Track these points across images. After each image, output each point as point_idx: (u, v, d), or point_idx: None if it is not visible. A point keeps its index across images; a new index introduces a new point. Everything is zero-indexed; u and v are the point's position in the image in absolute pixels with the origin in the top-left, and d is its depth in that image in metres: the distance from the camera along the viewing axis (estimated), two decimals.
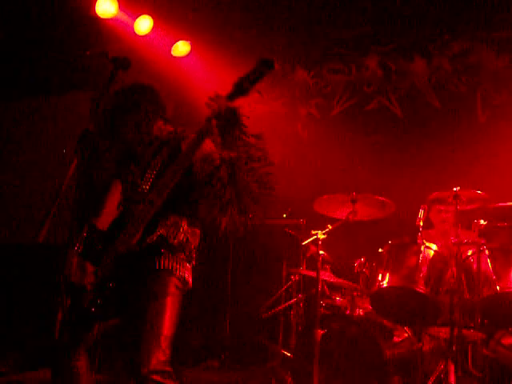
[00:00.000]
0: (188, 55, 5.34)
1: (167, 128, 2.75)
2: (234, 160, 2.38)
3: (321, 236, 3.81)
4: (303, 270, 4.25)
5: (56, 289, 2.47)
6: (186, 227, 2.53)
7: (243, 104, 2.47)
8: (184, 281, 2.52)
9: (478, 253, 3.67)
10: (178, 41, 5.29)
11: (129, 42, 5.15)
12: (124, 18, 5.11)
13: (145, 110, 2.68)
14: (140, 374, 2.28)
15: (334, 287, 4.24)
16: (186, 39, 5.30)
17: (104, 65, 2.56)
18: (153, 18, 5.14)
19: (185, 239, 2.51)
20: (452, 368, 3.51)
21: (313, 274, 3.91)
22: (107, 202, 2.71)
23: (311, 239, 3.89)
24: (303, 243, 3.98)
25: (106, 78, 2.45)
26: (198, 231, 2.60)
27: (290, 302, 4.45)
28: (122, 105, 2.67)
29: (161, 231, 2.46)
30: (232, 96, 2.44)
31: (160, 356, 2.32)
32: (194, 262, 2.59)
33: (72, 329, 2.44)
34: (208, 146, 2.45)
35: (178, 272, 2.49)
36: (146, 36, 5.18)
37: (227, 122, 2.41)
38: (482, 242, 3.74)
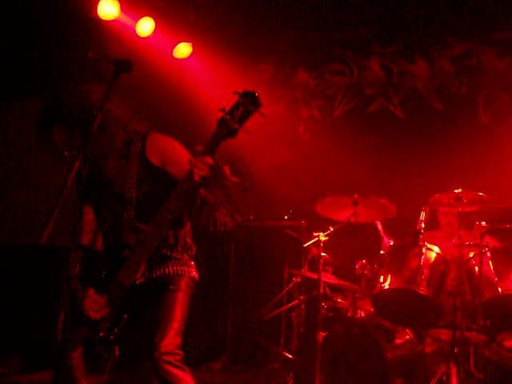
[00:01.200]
0: (190, 57, 5.34)
1: (128, 130, 2.63)
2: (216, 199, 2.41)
3: (322, 238, 3.81)
4: (305, 272, 4.25)
5: (58, 290, 2.50)
6: (182, 231, 2.63)
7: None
8: (193, 279, 2.66)
9: (480, 255, 3.66)
10: (179, 43, 5.29)
11: (130, 44, 5.15)
12: (126, 20, 5.12)
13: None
14: (153, 356, 2.42)
15: (335, 289, 4.24)
16: (188, 41, 5.30)
17: (106, 67, 2.56)
18: (154, 19, 5.14)
19: (183, 241, 2.63)
20: (454, 370, 3.50)
21: (314, 275, 3.91)
22: (85, 226, 2.69)
23: (313, 241, 3.89)
24: (305, 245, 3.98)
25: (108, 79, 2.45)
26: (188, 225, 2.68)
27: (291, 304, 4.46)
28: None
29: (164, 252, 2.55)
30: (216, 142, 2.30)
31: (170, 341, 2.45)
32: (194, 251, 2.70)
33: (73, 332, 2.49)
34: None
35: (187, 273, 2.63)
36: (147, 38, 5.19)
37: (213, 180, 2.36)
38: (484, 243, 3.73)
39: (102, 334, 2.49)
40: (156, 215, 2.44)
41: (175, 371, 2.45)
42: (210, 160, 2.28)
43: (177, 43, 5.30)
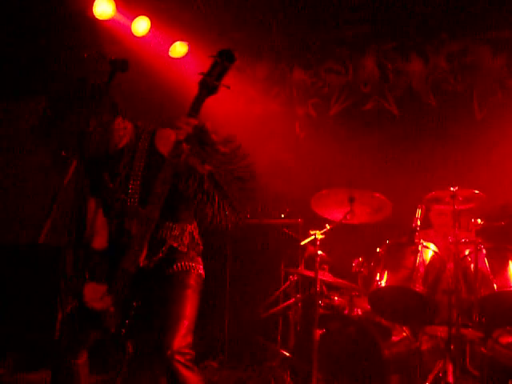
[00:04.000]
0: (186, 56, 5.34)
1: (127, 125, 2.67)
2: (214, 171, 2.44)
3: (319, 236, 3.82)
4: (301, 270, 4.25)
5: (56, 289, 2.50)
6: (189, 227, 2.65)
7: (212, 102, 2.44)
8: (200, 276, 2.68)
9: (476, 252, 3.68)
10: (175, 42, 5.29)
11: (126, 43, 5.15)
12: (121, 19, 5.11)
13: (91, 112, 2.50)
14: (165, 355, 2.43)
15: (332, 287, 4.25)
16: (184, 40, 5.30)
17: (102, 66, 2.56)
18: (150, 19, 5.14)
19: (190, 238, 2.65)
20: (450, 367, 3.52)
21: (311, 274, 3.92)
22: (95, 222, 2.68)
23: (309, 239, 3.90)
24: (301, 243, 3.99)
25: (104, 79, 2.45)
26: (195, 223, 2.72)
27: (288, 302, 4.46)
28: (64, 116, 2.53)
29: (170, 243, 2.57)
30: (199, 101, 2.40)
31: (182, 340, 2.47)
32: (201, 247, 2.73)
33: (76, 331, 2.48)
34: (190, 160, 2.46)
35: (194, 270, 2.65)
36: (143, 37, 5.19)
37: (199, 140, 2.41)
38: (480, 241, 3.75)
39: (113, 330, 2.47)
40: (150, 196, 2.46)
41: (186, 371, 2.46)
42: (193, 120, 2.37)
43: (173, 42, 5.29)
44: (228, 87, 2.41)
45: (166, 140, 2.53)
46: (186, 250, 2.61)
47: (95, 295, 2.48)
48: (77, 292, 2.52)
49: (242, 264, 5.37)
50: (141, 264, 2.46)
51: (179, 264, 2.60)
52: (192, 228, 2.68)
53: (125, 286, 2.47)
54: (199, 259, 2.70)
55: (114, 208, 2.62)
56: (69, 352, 2.58)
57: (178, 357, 2.45)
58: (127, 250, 2.47)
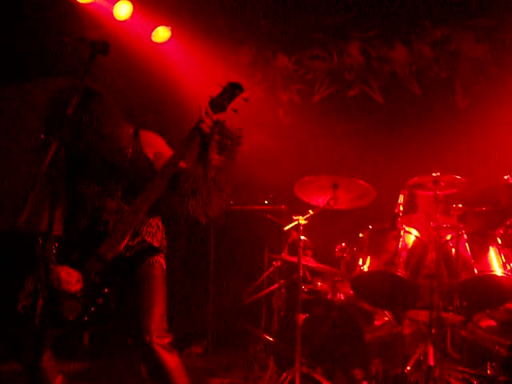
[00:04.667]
0: (168, 41, 5.29)
1: (128, 128, 2.77)
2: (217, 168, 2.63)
3: (302, 221, 3.83)
4: (285, 256, 4.27)
5: (36, 275, 2.47)
6: (160, 225, 2.76)
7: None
8: (164, 269, 2.74)
9: (457, 237, 3.72)
10: (158, 26, 5.23)
11: (108, 27, 5.08)
12: (103, 2, 5.04)
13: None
14: (144, 340, 2.48)
15: (315, 272, 4.27)
16: (167, 25, 5.24)
17: (83, 51, 2.53)
18: (132, 3, 5.07)
19: (160, 236, 2.75)
20: (431, 350, 3.56)
21: (294, 259, 3.93)
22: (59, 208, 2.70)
23: (292, 224, 3.91)
24: (285, 228, 3.99)
25: (85, 63, 2.42)
26: (160, 217, 2.80)
27: (272, 288, 4.48)
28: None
29: (146, 237, 2.66)
30: (214, 111, 2.61)
31: (158, 325, 2.54)
32: (165, 243, 2.82)
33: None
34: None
35: (160, 265, 2.72)
36: (125, 22, 5.12)
37: (220, 134, 2.62)
38: (461, 226, 3.79)
39: (71, 318, 2.47)
40: (143, 190, 2.54)
41: (166, 354, 2.50)
42: (214, 116, 2.58)
43: (155, 27, 5.24)
44: (235, 111, 2.65)
45: (152, 142, 2.74)
46: (158, 245, 2.71)
47: (70, 279, 2.48)
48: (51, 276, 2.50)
49: (225, 250, 5.37)
50: (120, 253, 2.51)
51: (151, 260, 2.68)
52: (159, 222, 2.76)
53: (97, 273, 2.50)
54: (163, 254, 2.77)
55: (91, 198, 2.66)
56: (34, 349, 2.55)
57: (157, 340, 2.49)
58: (106, 237, 2.52)
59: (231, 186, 2.72)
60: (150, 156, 2.72)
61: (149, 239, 2.67)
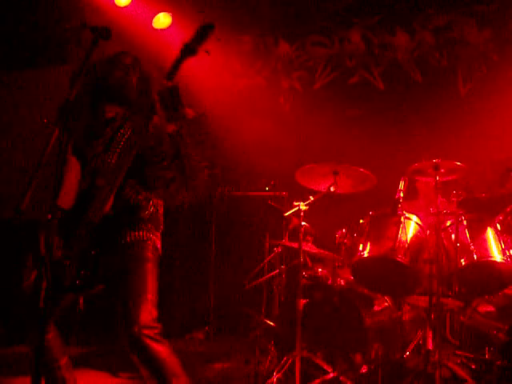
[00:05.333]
0: (169, 27, 5.27)
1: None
2: (178, 132, 2.54)
3: (303, 207, 3.83)
4: (286, 242, 4.29)
5: (38, 260, 2.48)
6: (154, 200, 2.69)
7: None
8: (156, 248, 2.67)
9: (457, 223, 3.73)
10: (159, 13, 5.22)
11: (109, 14, 5.07)
12: None
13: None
14: (132, 331, 2.43)
15: (315, 258, 4.29)
16: (168, 11, 5.23)
17: (86, 38, 2.55)
18: None
19: (154, 210, 2.68)
20: (430, 335, 3.59)
21: (295, 245, 3.95)
22: (66, 179, 2.70)
23: (293, 210, 3.92)
24: (285, 214, 4.01)
25: (87, 49, 2.43)
26: (162, 202, 2.75)
27: (272, 273, 4.51)
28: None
29: (133, 199, 2.60)
30: (177, 63, 2.55)
31: (147, 315, 2.47)
32: (161, 227, 2.76)
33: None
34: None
35: (151, 242, 2.64)
36: (126, 8, 5.11)
37: (170, 99, 2.51)
38: (461, 212, 3.81)
39: (67, 283, 2.44)
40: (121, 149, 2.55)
41: (156, 345, 2.45)
42: (168, 82, 2.51)
43: (156, 13, 5.22)
44: (207, 52, 2.56)
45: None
46: (147, 217, 2.63)
47: (52, 246, 2.46)
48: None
49: (226, 236, 5.40)
50: (105, 214, 2.48)
51: (137, 233, 2.61)
52: (157, 202, 2.71)
53: (85, 237, 2.48)
54: (158, 234, 2.70)
55: (90, 164, 2.66)
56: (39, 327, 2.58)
57: (146, 331, 2.43)
58: (92, 202, 2.50)
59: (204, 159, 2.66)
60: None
61: (133, 202, 2.60)
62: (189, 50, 2.53)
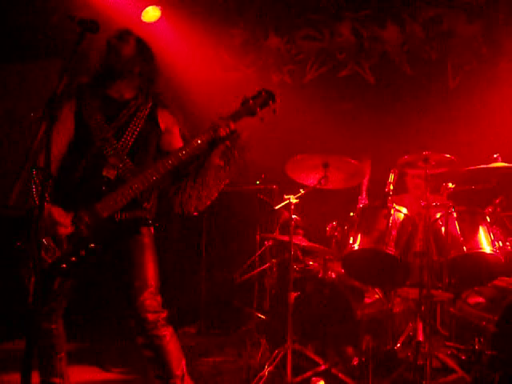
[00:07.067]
0: (158, 21, 5.24)
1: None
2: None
3: (293, 200, 3.84)
4: (276, 235, 4.30)
5: (27, 253, 2.47)
6: (155, 200, 2.78)
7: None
8: (152, 237, 2.73)
9: (447, 215, 3.75)
10: (148, 6, 5.18)
11: (97, 7, 5.02)
12: None
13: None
14: (139, 316, 2.50)
15: (306, 251, 4.30)
16: (157, 4, 5.19)
17: (74, 32, 2.52)
18: None
19: (154, 209, 2.76)
20: (420, 326, 3.61)
21: (286, 238, 3.96)
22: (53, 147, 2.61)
23: (284, 203, 3.92)
24: (276, 207, 4.01)
25: (75, 43, 2.41)
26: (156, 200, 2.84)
27: (263, 267, 4.52)
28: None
29: (142, 211, 2.67)
30: (239, 115, 2.73)
31: (153, 300, 2.54)
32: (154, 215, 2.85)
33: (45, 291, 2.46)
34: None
35: (151, 233, 2.72)
36: (114, 1, 5.07)
37: (231, 144, 2.70)
38: (450, 204, 3.82)
39: (49, 261, 2.44)
40: (156, 162, 2.60)
41: (161, 330, 2.52)
42: (233, 124, 2.66)
43: (145, 6, 5.19)
44: (263, 120, 2.78)
45: (166, 118, 2.81)
46: (151, 219, 2.72)
47: (61, 220, 2.44)
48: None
49: (217, 230, 5.40)
50: (115, 212, 2.52)
51: (140, 229, 2.66)
52: (156, 199, 2.78)
53: (88, 226, 2.48)
54: (154, 224, 2.77)
55: (95, 146, 2.62)
56: (45, 318, 2.59)
57: (152, 316, 2.51)
58: (106, 196, 2.51)
59: (219, 188, 2.75)
60: (162, 127, 2.77)
61: (144, 213, 2.67)
62: (250, 112, 2.74)
